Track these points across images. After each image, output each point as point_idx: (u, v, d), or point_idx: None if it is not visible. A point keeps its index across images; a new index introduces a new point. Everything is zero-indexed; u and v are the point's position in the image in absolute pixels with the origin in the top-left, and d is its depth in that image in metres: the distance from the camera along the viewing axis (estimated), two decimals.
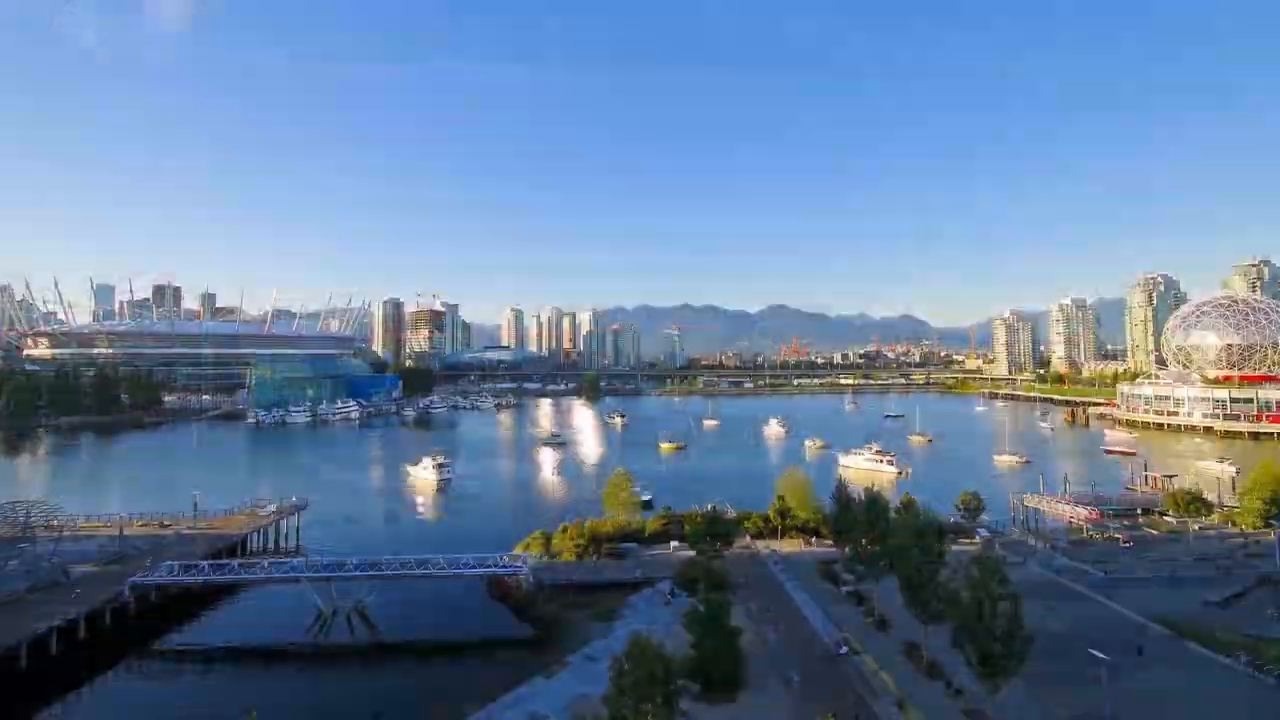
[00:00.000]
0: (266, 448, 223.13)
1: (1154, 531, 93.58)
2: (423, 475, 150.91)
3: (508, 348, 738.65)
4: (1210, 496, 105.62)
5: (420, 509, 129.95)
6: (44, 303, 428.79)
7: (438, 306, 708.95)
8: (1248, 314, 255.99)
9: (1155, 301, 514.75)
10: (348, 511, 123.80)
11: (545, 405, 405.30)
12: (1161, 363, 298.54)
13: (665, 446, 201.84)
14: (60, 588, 69.99)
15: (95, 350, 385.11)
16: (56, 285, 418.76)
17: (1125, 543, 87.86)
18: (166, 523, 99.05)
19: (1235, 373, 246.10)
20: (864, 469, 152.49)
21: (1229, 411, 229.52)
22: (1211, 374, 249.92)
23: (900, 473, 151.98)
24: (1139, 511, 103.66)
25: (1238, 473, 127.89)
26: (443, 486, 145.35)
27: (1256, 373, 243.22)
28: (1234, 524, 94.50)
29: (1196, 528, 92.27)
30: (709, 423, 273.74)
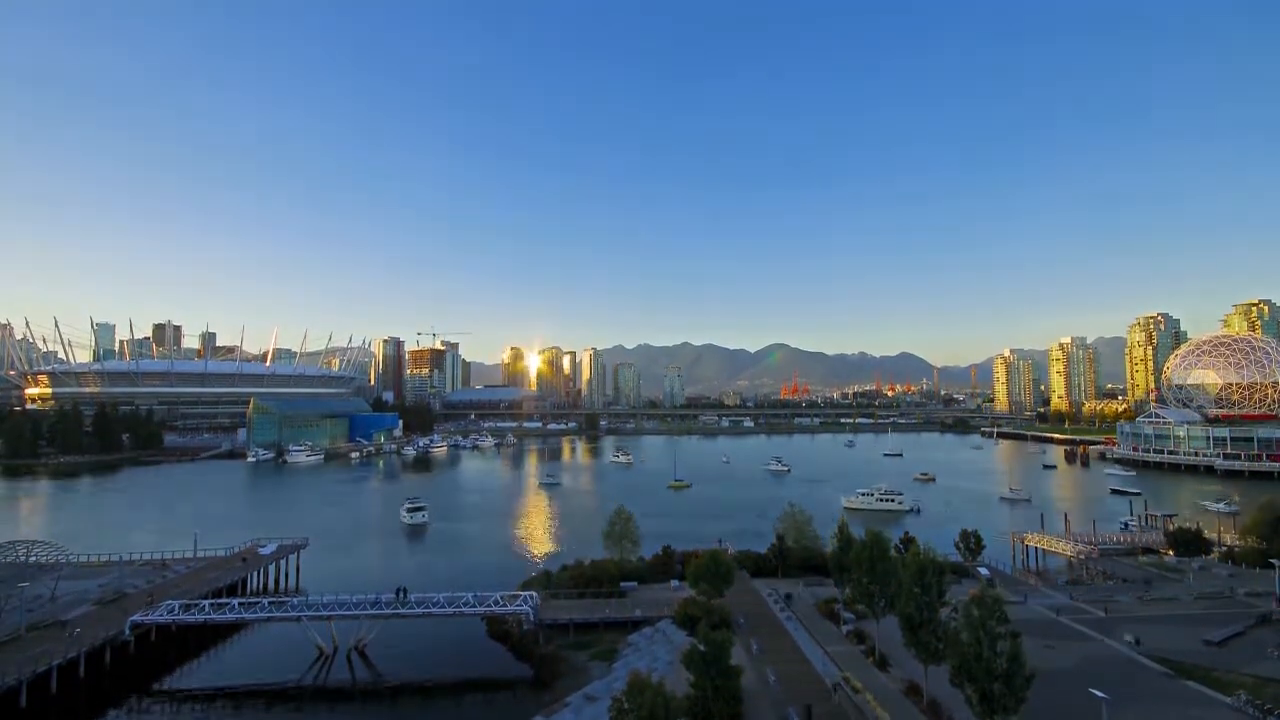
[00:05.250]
0: (266, 487, 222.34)
1: (1154, 570, 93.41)
2: (403, 519, 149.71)
3: (508, 386, 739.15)
4: (1210, 535, 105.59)
5: (420, 549, 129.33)
6: (44, 341, 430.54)
7: (438, 345, 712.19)
8: (1247, 353, 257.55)
9: (1155, 340, 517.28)
10: (347, 551, 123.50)
11: (546, 444, 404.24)
12: (1162, 401, 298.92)
13: (673, 484, 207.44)
14: (60, 626, 69.88)
15: (95, 389, 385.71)
16: (57, 324, 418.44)
17: (1125, 581, 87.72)
18: (167, 561, 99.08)
19: (1235, 411, 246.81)
20: (875, 508, 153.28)
21: (1229, 450, 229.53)
22: (1211, 413, 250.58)
23: (911, 509, 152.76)
24: (1139, 550, 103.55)
25: (1236, 514, 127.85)
26: (418, 531, 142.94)
27: (1256, 412, 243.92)
28: (1234, 562, 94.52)
29: (1196, 566, 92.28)
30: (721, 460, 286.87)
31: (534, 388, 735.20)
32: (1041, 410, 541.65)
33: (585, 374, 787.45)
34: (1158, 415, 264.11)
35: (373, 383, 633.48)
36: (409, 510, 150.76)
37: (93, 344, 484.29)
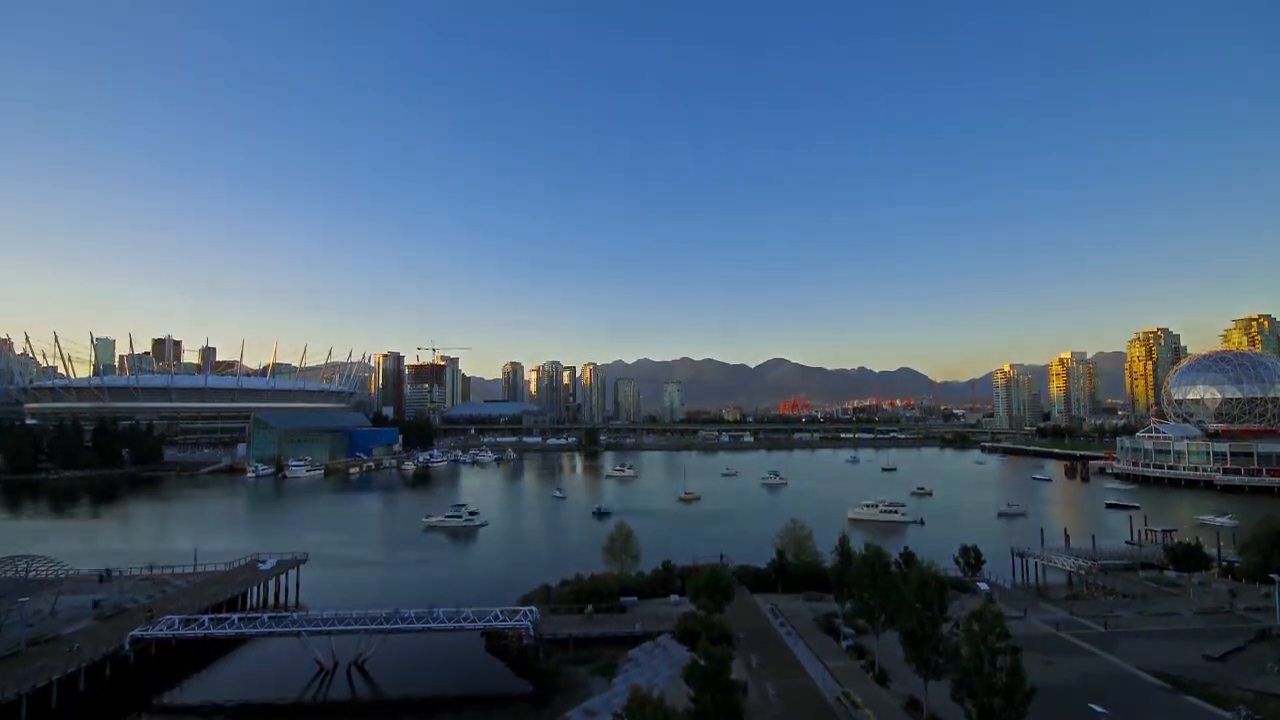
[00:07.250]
0: (266, 502, 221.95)
1: (1154, 585, 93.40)
2: (449, 523, 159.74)
3: (507, 401, 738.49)
4: (1209, 550, 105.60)
5: (419, 563, 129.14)
6: (44, 357, 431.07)
7: (437, 360, 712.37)
8: (1247, 368, 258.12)
9: (1155, 355, 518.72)
10: (348, 565, 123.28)
11: (545, 459, 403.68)
12: (1161, 416, 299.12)
13: (684, 497, 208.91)
14: (60, 641, 69.83)
15: (95, 404, 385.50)
16: (56, 339, 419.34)
17: (1124, 596, 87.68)
18: (166, 576, 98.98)
19: (1235, 427, 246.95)
20: (879, 519, 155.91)
21: (1229, 465, 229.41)
22: (1211, 428, 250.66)
23: (915, 521, 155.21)
24: (1139, 565, 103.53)
25: (1236, 528, 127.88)
26: (469, 533, 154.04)
27: (1256, 427, 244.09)
28: (1234, 577, 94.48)
29: (1196, 581, 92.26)
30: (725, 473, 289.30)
31: (534, 402, 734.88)
32: (1041, 425, 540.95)
33: (585, 388, 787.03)
34: (1157, 430, 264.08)
35: (373, 397, 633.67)
36: (468, 513, 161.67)
37: (92, 359, 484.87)
